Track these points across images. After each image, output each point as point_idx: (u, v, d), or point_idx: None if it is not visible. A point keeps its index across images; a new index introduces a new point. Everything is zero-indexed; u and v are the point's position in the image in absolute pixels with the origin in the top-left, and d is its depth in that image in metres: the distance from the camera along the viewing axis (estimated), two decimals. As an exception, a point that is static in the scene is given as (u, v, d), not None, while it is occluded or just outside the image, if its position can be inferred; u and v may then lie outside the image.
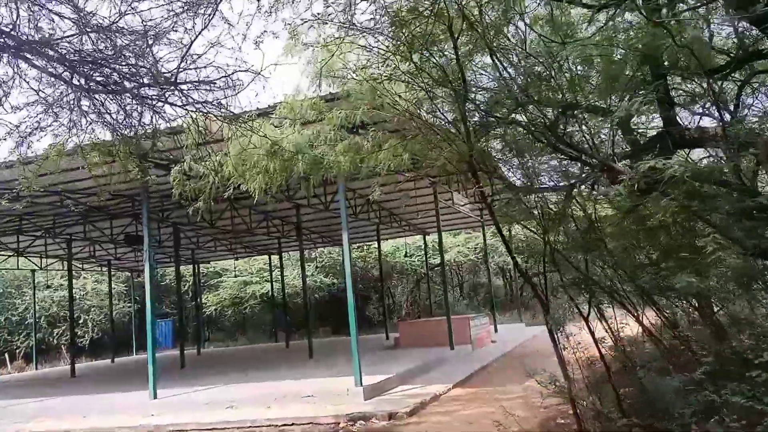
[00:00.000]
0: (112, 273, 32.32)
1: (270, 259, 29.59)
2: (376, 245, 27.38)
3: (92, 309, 31.67)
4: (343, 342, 24.06)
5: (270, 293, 30.05)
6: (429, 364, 13.61)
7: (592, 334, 6.93)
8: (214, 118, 5.81)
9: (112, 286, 32.68)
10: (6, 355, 28.37)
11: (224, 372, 15.74)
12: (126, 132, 5.95)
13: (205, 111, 5.52)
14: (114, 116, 5.66)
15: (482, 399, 9.89)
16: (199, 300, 31.05)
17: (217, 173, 7.65)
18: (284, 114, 7.92)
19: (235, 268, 32.28)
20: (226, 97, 5.40)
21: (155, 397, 11.49)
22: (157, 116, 5.55)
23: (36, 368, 26.14)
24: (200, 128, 5.90)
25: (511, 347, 17.18)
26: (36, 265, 26.03)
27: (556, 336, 6.68)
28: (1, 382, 21.39)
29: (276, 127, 7.68)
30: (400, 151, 7.78)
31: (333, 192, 19.05)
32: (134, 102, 5.26)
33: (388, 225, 24.02)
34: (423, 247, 28.72)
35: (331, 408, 9.85)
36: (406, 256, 30.22)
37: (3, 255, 23.60)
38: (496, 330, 21.28)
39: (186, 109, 5.43)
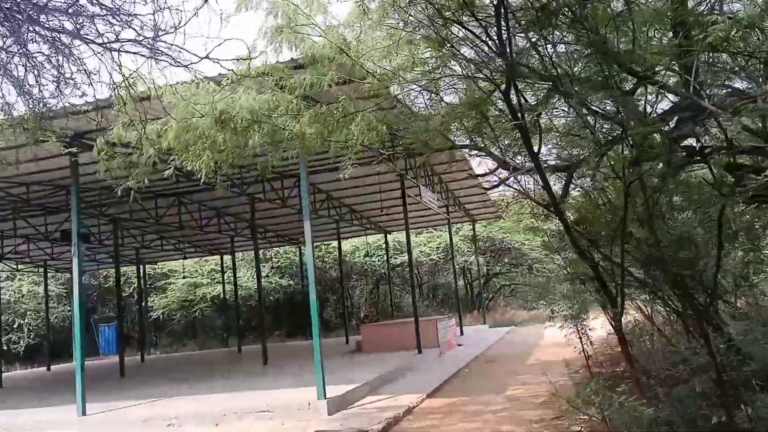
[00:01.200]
0: (52, 274, 30.16)
1: (222, 259, 27.94)
2: (336, 244, 26.09)
3: (28, 313, 29.33)
4: (300, 347, 22.73)
5: (222, 295, 28.41)
6: (397, 370, 12.42)
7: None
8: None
9: (52, 288, 30.53)
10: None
11: (168, 382, 14.21)
12: (30, 89, 4.60)
13: (133, 52, 4.20)
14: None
15: (462, 412, 8.76)
16: (144, 303, 29.13)
17: (153, 144, 6.29)
18: (237, 77, 6.61)
19: (184, 268, 30.44)
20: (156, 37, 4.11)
21: (84, 413, 9.96)
22: (64, 59, 4.21)
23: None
24: (128, 79, 4.57)
25: (480, 351, 16.16)
26: (-40, 264, 23.80)
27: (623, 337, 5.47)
28: None
29: (227, 91, 6.38)
30: (375, 124, 6.59)
31: (291, 186, 17.76)
32: (32, 30, 3.90)
33: (349, 223, 22.77)
34: (384, 246, 27.58)
35: (289, 425, 8.56)
36: (366, 255, 29.01)
37: None
38: (461, 332, 20.27)
39: (107, 47, 4.10)
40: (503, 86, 5.13)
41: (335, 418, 8.76)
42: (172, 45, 4.17)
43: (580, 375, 10.33)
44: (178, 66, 4.09)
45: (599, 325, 9.53)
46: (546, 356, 14.03)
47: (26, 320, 28.36)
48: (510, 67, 4.85)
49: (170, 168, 7.43)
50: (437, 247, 29.25)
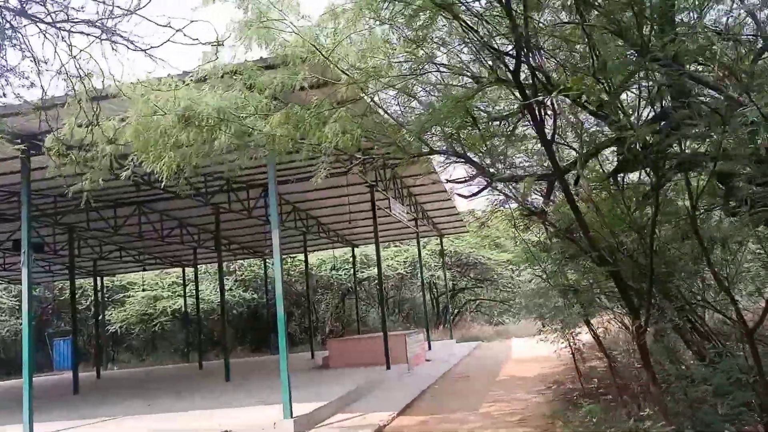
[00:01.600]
0: (4, 285, 28.89)
1: (184, 271, 27.12)
2: (302, 257, 25.55)
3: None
4: (264, 362, 22.06)
5: (183, 309, 27.55)
6: (366, 386, 11.99)
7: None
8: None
9: (3, 300, 29.27)
10: None
11: (123, 400, 13.49)
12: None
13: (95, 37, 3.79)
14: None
15: (436, 431, 8.39)
16: (101, 316, 28.04)
17: (111, 142, 5.83)
18: (204, 74, 6.22)
19: (143, 281, 29.46)
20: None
21: (31, 434, 9.28)
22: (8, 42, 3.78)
23: None
24: (81, 69, 4.15)
25: (449, 366, 15.83)
26: None
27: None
28: None
29: (192, 88, 5.97)
30: (351, 126, 6.25)
31: (256, 197, 17.27)
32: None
33: (316, 235, 22.32)
34: (351, 260, 27.16)
35: (253, 446, 8.08)
36: (333, 269, 28.52)
37: None
38: (429, 347, 19.93)
39: (57, 27, 3.68)
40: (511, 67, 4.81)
41: (302, 439, 8.30)
42: (131, 32, 3.79)
43: (554, 390, 10.07)
44: (136, 50, 3.69)
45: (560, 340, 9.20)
46: (516, 371, 13.79)
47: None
48: (521, 40, 4.53)
49: (128, 169, 6.96)
50: (404, 261, 28.96)
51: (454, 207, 21.55)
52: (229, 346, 16.75)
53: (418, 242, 22.47)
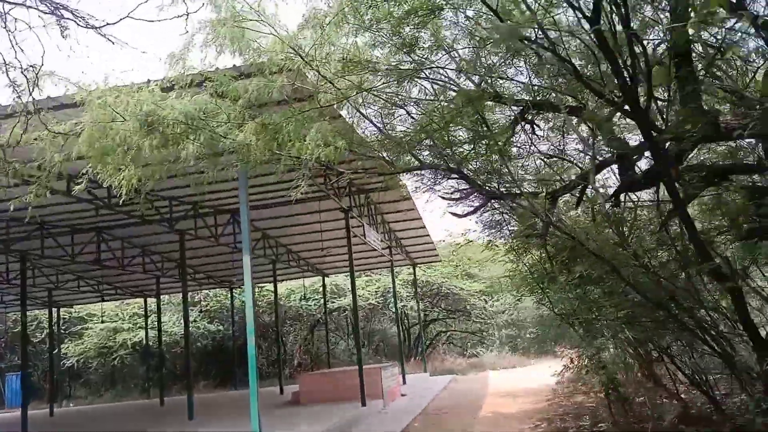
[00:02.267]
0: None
1: (146, 302, 25.93)
2: (271, 287, 24.68)
3: None
4: (230, 397, 20.96)
5: (144, 341, 26.25)
6: (342, 426, 11.19)
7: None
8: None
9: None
10: None
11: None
12: None
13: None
14: None
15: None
16: (56, 350, 26.53)
17: (61, 148, 5.13)
18: (171, 80, 5.60)
19: (103, 312, 28.08)
20: None
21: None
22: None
23: None
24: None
25: (426, 402, 15.09)
26: None
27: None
28: None
29: (156, 94, 5.33)
30: (332, 139, 5.67)
31: (224, 223, 16.52)
32: None
33: (286, 263, 21.52)
34: (321, 289, 26.35)
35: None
36: (303, 299, 27.60)
37: None
38: (404, 381, 19.16)
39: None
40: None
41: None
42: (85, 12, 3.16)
43: (546, 430, 9.46)
44: (88, 27, 3.07)
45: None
46: (498, 407, 13.14)
47: None
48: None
49: (81, 184, 6.24)
50: (375, 292, 28.23)
51: (428, 235, 21.06)
52: (192, 381, 15.71)
53: (392, 271, 21.84)
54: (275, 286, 22.79)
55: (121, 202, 6.27)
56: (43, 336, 27.67)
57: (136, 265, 19.65)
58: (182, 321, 27.60)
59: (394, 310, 28.89)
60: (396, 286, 27.77)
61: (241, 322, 28.51)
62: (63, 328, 28.51)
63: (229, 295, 26.42)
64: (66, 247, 16.55)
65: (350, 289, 28.28)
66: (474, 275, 29.52)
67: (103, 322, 27.93)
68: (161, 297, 24.16)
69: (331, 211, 16.71)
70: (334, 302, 28.04)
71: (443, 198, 6.05)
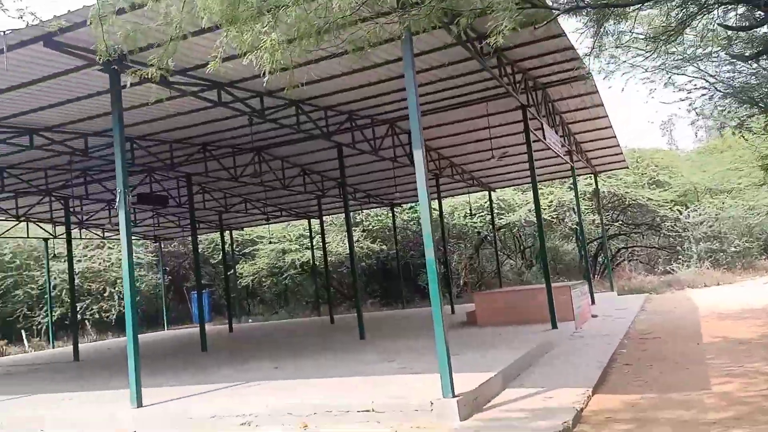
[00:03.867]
0: (142, 242, 29.32)
1: (310, 223, 25.88)
2: (435, 204, 23.33)
3: (118, 281, 28.57)
4: (396, 317, 20.28)
5: (311, 262, 26.41)
6: (535, 352, 9.55)
7: None
8: None
9: (141, 256, 29.75)
10: (23, 333, 25.57)
11: (252, 358, 12.08)
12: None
13: None
14: None
15: (663, 420, 5.81)
16: (232, 270, 27.65)
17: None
18: None
19: (271, 234, 28.65)
20: None
21: (139, 404, 7.80)
22: None
23: (53, 346, 23.20)
24: None
25: (626, 325, 12.98)
26: (49, 232, 22.90)
27: None
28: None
29: None
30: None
31: (382, 135, 15.08)
32: None
33: (450, 177, 19.86)
34: (486, 206, 24.55)
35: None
36: (467, 216, 25.86)
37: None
38: (593, 302, 17.02)
39: None
40: None
41: (471, 428, 6.05)
42: None
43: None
44: None
45: None
46: (726, 331, 10.73)
47: (116, 288, 27.54)
48: None
49: (216, 60, 4.90)
50: (548, 206, 25.78)
51: (614, 137, 18.17)
52: (360, 300, 14.93)
53: (574, 179, 19.22)
54: (440, 203, 21.39)
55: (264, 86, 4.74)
56: (220, 257, 28.92)
57: (297, 186, 19.14)
58: (345, 241, 27.50)
59: (572, 224, 26.45)
60: (570, 199, 25.19)
61: (403, 242, 27.76)
62: (237, 250, 29.66)
63: (391, 214, 25.53)
64: (229, 169, 16.19)
65: (517, 204, 26.31)
66: (663, 183, 25.95)
67: (271, 243, 28.53)
68: (324, 218, 23.86)
69: (501, 114, 14.67)
70: (501, 218, 26.13)
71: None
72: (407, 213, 27.91)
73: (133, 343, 7.92)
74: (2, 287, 26.60)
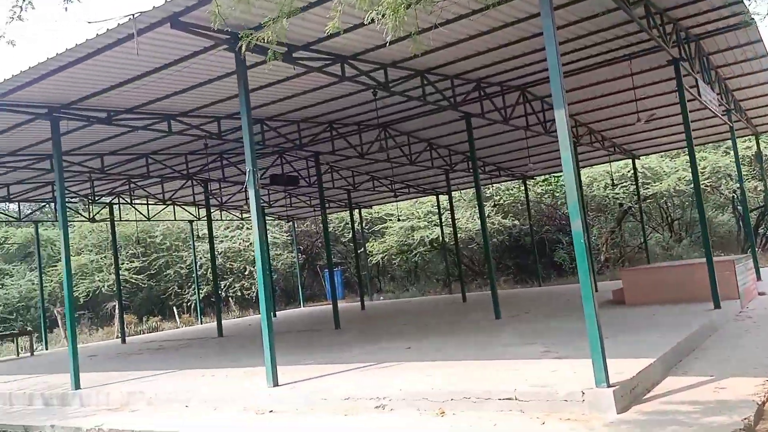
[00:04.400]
0: (275, 222, 30.46)
1: (438, 199, 25.40)
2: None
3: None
4: (532, 295, 19.33)
5: (440, 238, 25.99)
6: (697, 335, 8.45)
7: None
8: None
9: (276, 235, 30.97)
10: (174, 309, 27.60)
11: (384, 336, 11.91)
12: None
13: None
14: None
15: None
16: (362, 248, 27.94)
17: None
18: None
19: (399, 211, 28.57)
20: None
21: (275, 383, 7.79)
22: None
23: (201, 322, 24.79)
24: None
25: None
26: (192, 215, 24.37)
27: None
28: (146, 340, 19.73)
29: None
30: None
31: (513, 104, 14.18)
32: None
33: (588, 146, 18.48)
34: (629, 175, 22.72)
35: (554, 429, 5.33)
36: (611, 185, 23.96)
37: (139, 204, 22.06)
38: (758, 277, 15.12)
39: None
40: None
41: (631, 422, 5.30)
42: None
43: None
44: None
45: None
46: None
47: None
48: None
49: (335, 21, 4.53)
50: (701, 172, 23.35)
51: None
52: (492, 277, 14.27)
53: (734, 141, 17.03)
54: (578, 172, 19.94)
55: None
56: (350, 236, 29.39)
57: (424, 161, 18.72)
58: (474, 217, 26.80)
59: (729, 192, 23.88)
60: (726, 163, 22.73)
61: (537, 216, 26.54)
62: (366, 228, 29.95)
63: (523, 187, 24.41)
64: (356, 147, 16.09)
65: (664, 172, 24.09)
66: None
67: (399, 220, 28.47)
68: (452, 193, 23.30)
69: (647, 72, 13.25)
70: (647, 189, 24.10)
71: None
72: (541, 186, 26.56)
73: (267, 325, 7.92)
74: (155, 267, 28.83)
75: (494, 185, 26.11)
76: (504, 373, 6.97)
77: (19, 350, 19.10)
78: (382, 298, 28.31)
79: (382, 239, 29.79)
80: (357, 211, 26.75)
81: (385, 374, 7.80)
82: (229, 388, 8.33)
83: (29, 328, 21.67)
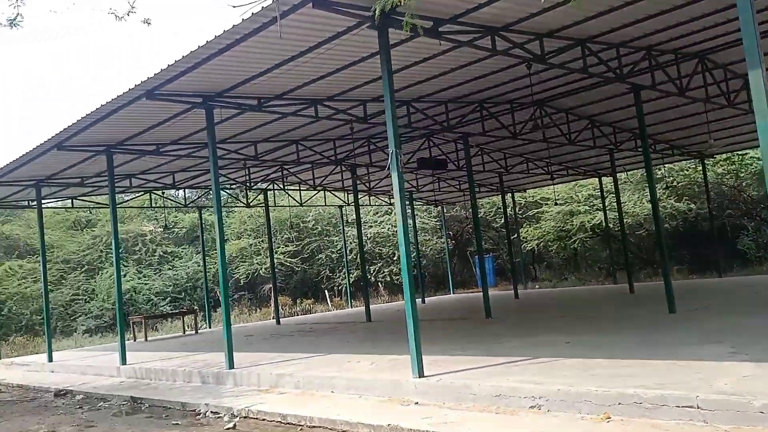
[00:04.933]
0: (423, 207, 30.27)
1: (600, 181, 23.48)
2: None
3: (407, 245, 30.02)
4: (712, 287, 17.21)
5: (603, 224, 24.10)
6: None
7: None
8: None
9: (425, 221, 30.78)
10: (326, 293, 28.45)
11: (539, 331, 11.07)
12: None
13: None
14: None
15: None
16: (515, 235, 26.80)
17: None
18: None
19: (556, 195, 26.91)
20: None
21: (421, 374, 7.37)
22: None
23: (351, 306, 25.25)
24: None
25: None
26: (342, 200, 24.87)
27: None
28: (299, 322, 20.35)
29: None
30: None
31: (689, 73, 12.50)
32: None
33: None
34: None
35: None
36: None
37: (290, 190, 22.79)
38: None
39: None
40: None
41: None
42: None
43: None
44: None
45: None
46: None
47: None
48: None
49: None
50: None
51: None
52: (665, 267, 12.73)
53: None
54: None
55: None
56: (502, 221, 28.35)
57: (584, 140, 17.30)
58: (642, 201, 24.50)
59: None
60: None
61: (717, 199, 23.78)
62: (519, 212, 28.72)
63: (700, 167, 21.87)
64: (508, 127, 15.20)
65: None
66: None
67: (557, 204, 26.85)
68: (617, 175, 21.41)
69: None
70: None
71: None
72: (722, 165, 23.60)
73: (412, 314, 7.53)
74: (308, 251, 29.88)
75: (666, 165, 23.65)
76: (682, 376, 5.96)
77: (185, 328, 20.59)
78: (537, 286, 27.02)
79: (538, 225, 28.38)
80: (509, 195, 25.64)
81: (542, 371, 7.06)
82: (373, 376, 8.07)
83: (195, 307, 23.39)
